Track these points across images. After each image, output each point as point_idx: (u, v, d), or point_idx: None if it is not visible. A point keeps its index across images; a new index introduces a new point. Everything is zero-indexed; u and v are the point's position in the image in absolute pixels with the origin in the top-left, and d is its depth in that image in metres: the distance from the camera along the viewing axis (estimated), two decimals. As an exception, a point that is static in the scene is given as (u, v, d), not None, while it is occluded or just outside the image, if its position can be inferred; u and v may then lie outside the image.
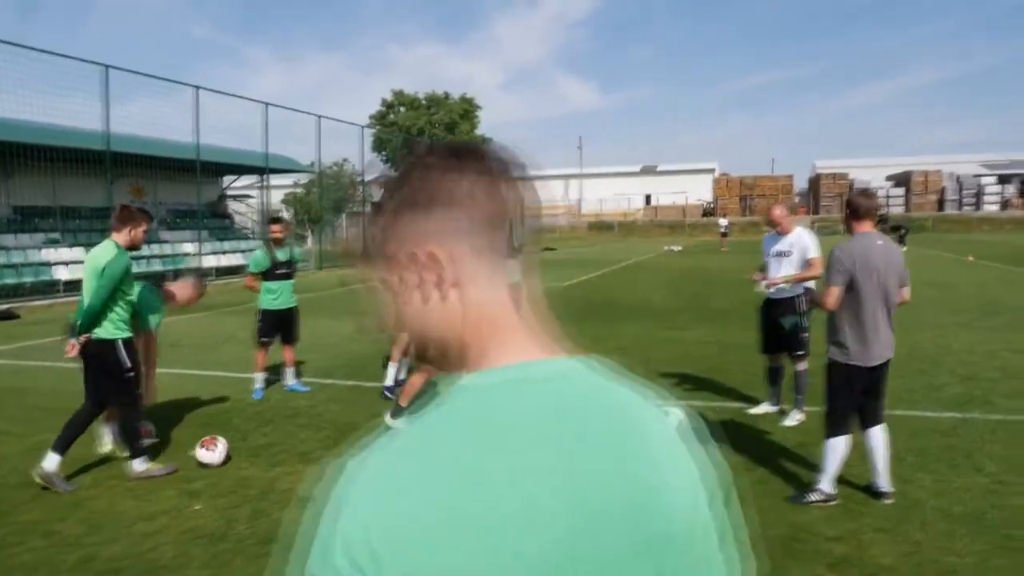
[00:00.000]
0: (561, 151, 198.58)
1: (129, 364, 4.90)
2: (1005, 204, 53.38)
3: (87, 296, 4.79)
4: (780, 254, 6.03)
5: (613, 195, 68.63)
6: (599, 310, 13.61)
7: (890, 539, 3.83)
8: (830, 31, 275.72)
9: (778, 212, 6.10)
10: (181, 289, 5.76)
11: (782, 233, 6.01)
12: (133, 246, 4.94)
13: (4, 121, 19.71)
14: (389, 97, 61.34)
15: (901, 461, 4.97)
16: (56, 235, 20.98)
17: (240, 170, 27.68)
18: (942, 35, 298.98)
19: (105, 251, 4.84)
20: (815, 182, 56.16)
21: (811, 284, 5.96)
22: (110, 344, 4.84)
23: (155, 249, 23.03)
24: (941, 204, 53.83)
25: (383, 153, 59.63)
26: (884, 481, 4.33)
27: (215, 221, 27.46)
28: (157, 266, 22.03)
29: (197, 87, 19.83)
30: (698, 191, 64.01)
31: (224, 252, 24.93)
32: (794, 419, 5.92)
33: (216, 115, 21.57)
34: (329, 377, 8.09)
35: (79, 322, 4.82)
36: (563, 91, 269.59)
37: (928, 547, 3.73)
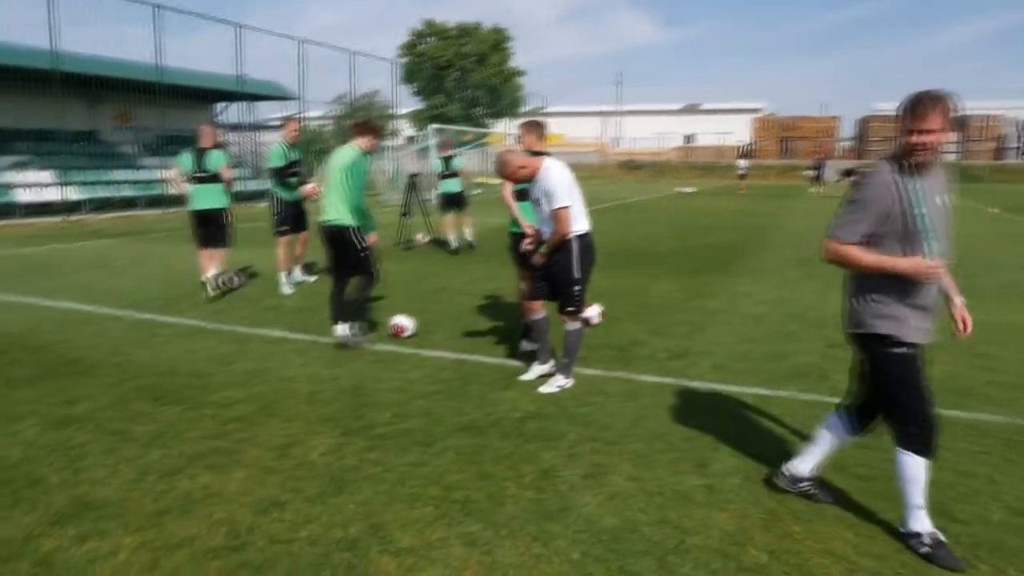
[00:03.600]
0: (610, 88, 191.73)
1: (362, 245, 5.87)
2: (1074, 155, 49.10)
3: (345, 192, 5.80)
4: (536, 202, 4.90)
5: (653, 134, 66.10)
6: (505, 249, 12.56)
7: (489, 566, 2.88)
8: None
9: (511, 170, 4.82)
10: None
11: (533, 176, 4.85)
12: (369, 151, 5.95)
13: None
14: (420, 27, 59.44)
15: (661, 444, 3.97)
16: (26, 158, 20.68)
17: (223, 96, 26.92)
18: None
19: (351, 154, 5.87)
20: (864, 124, 52.43)
21: (581, 229, 4.84)
22: (347, 229, 5.83)
23: (129, 174, 22.69)
24: (1000, 152, 49.85)
25: (413, 84, 58.25)
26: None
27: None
28: (128, 191, 21.69)
29: (155, 5, 18.93)
30: (742, 132, 61.05)
31: (206, 179, 24.43)
32: (553, 385, 4.90)
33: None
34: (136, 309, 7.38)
35: (357, 217, 5.85)
36: (620, 26, 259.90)
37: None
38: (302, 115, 28.19)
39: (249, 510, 3.25)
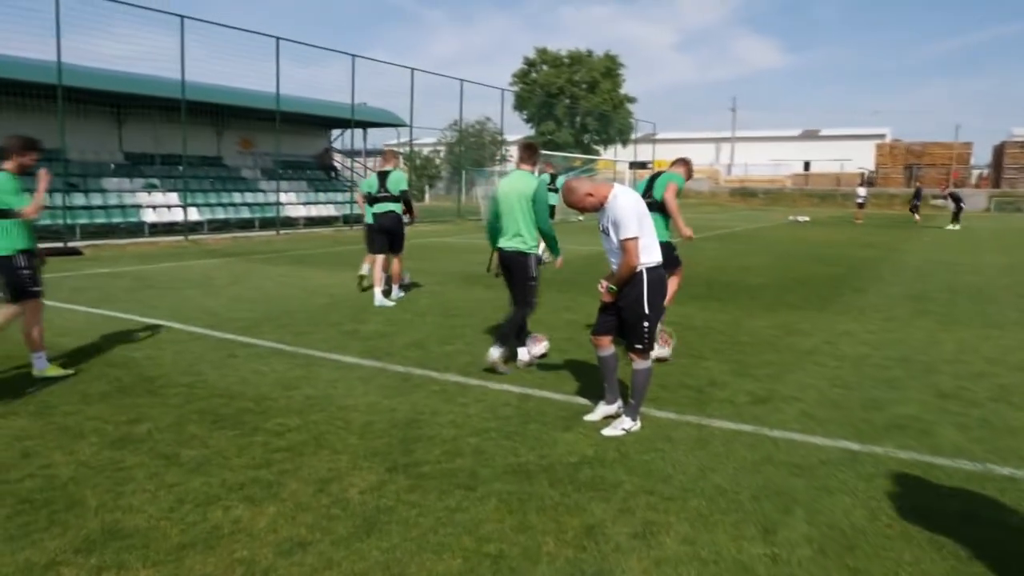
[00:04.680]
0: (725, 114, 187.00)
1: (534, 273, 5.96)
2: None
3: (531, 218, 5.83)
4: (604, 231, 4.60)
5: (769, 160, 63.95)
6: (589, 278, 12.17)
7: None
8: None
9: (577, 197, 4.58)
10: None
11: (601, 205, 4.57)
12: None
13: (115, 74, 20.95)
14: (532, 55, 60.21)
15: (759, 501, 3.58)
16: (156, 180, 22.16)
17: (337, 123, 28.02)
18: None
19: (532, 181, 5.91)
20: (999, 151, 48.53)
21: (652, 261, 4.51)
22: (528, 256, 5.92)
23: (248, 197, 23.89)
24: None
25: (524, 112, 59.02)
26: None
27: (315, 173, 28.12)
28: (245, 213, 22.83)
29: (278, 38, 19.97)
30: (863, 159, 58.02)
31: (317, 203, 25.43)
32: (618, 428, 4.56)
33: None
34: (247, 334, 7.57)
35: (535, 244, 5.98)
36: (737, 52, 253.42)
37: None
38: (406, 143, 28.97)
39: (272, 550, 3.11)
